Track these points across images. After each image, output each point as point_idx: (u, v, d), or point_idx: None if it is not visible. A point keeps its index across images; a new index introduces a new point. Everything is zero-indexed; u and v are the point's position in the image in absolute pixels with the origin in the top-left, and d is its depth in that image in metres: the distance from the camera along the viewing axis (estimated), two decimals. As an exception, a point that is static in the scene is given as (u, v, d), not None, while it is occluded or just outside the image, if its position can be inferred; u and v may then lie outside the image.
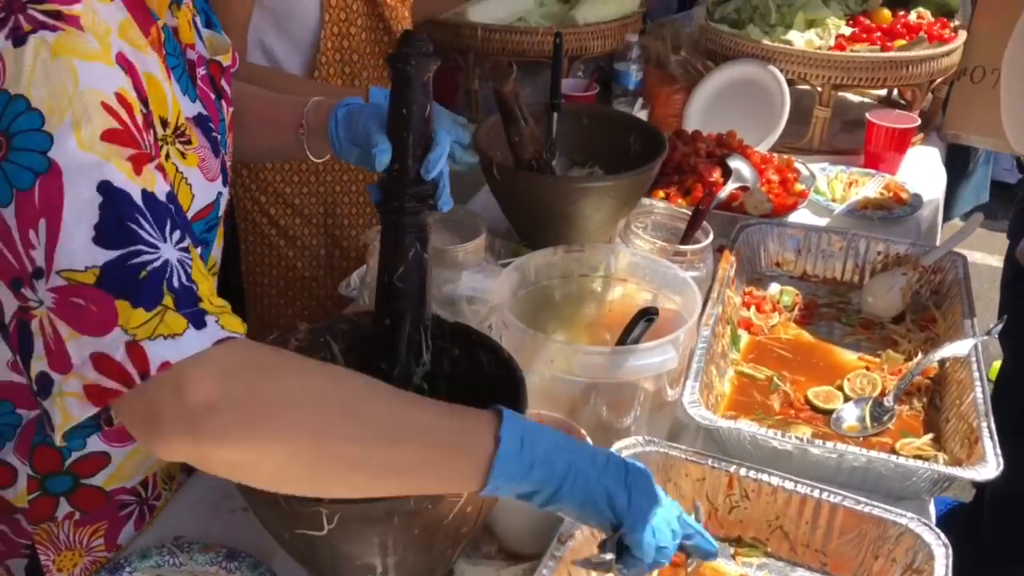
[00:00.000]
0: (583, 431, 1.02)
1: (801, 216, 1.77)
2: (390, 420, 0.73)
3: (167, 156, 0.85)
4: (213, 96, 0.98)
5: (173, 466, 1.10)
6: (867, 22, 2.12)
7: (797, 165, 1.87)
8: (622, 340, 1.08)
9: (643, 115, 2.01)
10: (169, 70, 0.87)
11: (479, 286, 1.17)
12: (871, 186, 1.90)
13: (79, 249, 0.67)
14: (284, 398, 0.70)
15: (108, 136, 0.70)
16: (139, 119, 0.75)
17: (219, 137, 0.97)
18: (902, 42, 2.02)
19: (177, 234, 0.72)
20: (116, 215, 0.68)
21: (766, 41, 2.03)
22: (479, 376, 0.97)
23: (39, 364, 0.68)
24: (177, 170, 0.87)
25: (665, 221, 1.47)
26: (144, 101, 0.78)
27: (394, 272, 0.92)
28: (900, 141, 1.96)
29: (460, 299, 1.16)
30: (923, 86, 2.05)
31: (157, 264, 0.69)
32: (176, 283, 0.69)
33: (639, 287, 1.26)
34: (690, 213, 1.46)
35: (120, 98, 0.73)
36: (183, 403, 0.67)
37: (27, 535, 0.99)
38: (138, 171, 0.71)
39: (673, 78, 2.12)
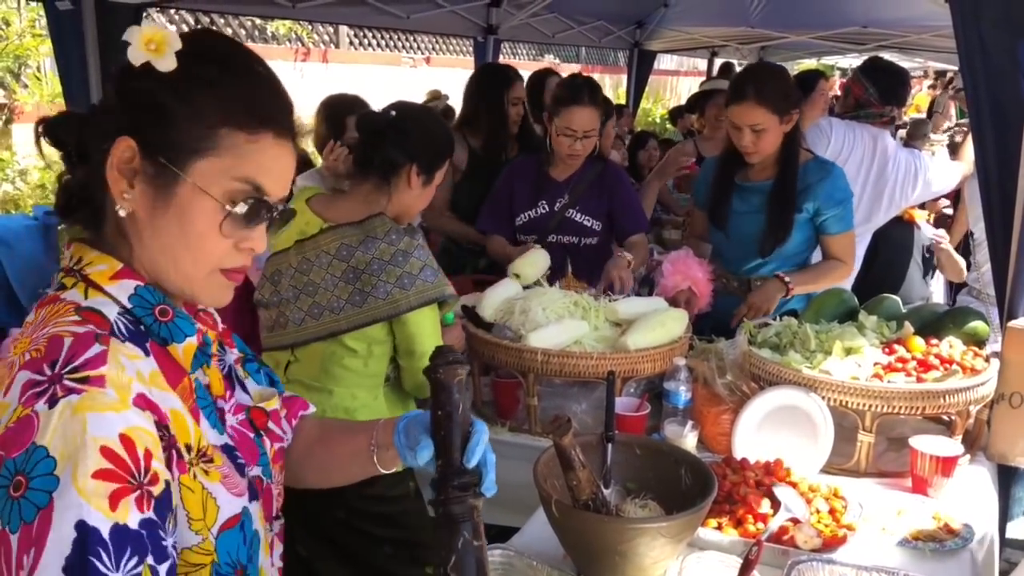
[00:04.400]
0: None
1: (852, 547, 1.79)
2: None
3: (194, 476, 1.01)
4: (252, 435, 1.18)
5: None
6: (901, 350, 2.25)
7: (844, 494, 1.92)
8: None
9: (693, 436, 2.12)
10: (200, 410, 1.07)
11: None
12: (920, 513, 1.93)
13: None
14: None
15: (97, 475, 0.87)
16: (141, 451, 0.91)
17: (244, 465, 1.13)
18: (936, 373, 2.14)
19: (133, 560, 0.86)
20: (81, 550, 0.84)
21: (806, 370, 2.16)
22: None
23: None
24: (203, 487, 1.03)
25: (717, 566, 1.53)
26: (166, 427, 0.97)
27: (447, 564, 0.99)
28: (945, 467, 2.01)
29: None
30: (963, 412, 2.14)
31: None
32: None
33: (693, 642, 1.30)
34: (743, 548, 1.52)
35: (123, 437, 0.90)
36: None
37: None
38: (114, 506, 0.87)
39: (720, 399, 2.24)
